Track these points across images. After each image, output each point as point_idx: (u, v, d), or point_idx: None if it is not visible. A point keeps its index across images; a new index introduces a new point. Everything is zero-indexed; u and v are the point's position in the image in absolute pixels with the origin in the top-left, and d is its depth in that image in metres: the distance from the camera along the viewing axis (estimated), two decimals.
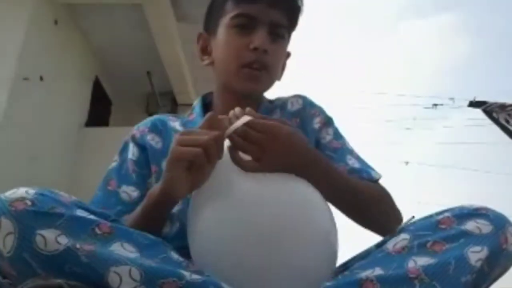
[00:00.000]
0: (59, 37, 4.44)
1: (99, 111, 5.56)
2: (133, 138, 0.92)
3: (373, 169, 0.90)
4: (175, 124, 0.94)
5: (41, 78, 3.98)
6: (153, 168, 0.87)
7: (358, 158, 0.92)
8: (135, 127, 0.94)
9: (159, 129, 0.91)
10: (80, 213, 0.59)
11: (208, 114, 0.69)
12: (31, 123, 3.94)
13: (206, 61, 0.95)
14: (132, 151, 0.90)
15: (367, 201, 0.81)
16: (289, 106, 0.98)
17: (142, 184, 0.87)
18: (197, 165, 0.64)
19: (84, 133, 5.01)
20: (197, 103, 0.98)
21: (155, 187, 0.72)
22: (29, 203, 0.56)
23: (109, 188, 0.86)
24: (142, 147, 0.89)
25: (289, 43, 0.97)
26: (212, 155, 0.64)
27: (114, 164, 0.90)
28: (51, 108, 4.27)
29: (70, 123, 4.82)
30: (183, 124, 0.93)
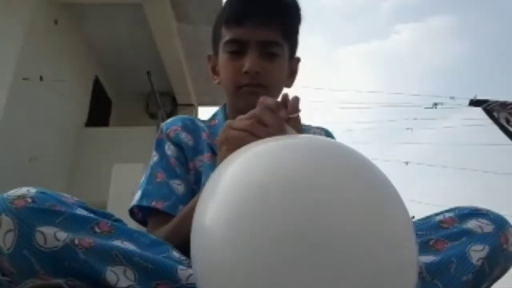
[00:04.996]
0: (59, 37, 4.45)
1: (99, 111, 5.56)
2: (168, 137, 0.91)
3: None
4: (203, 125, 0.95)
5: (41, 78, 3.98)
6: (191, 164, 0.88)
7: None
8: (165, 125, 0.93)
9: (190, 128, 0.92)
10: (80, 211, 0.60)
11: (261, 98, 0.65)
12: (31, 123, 3.94)
13: (217, 81, 0.97)
14: (170, 148, 0.89)
15: None
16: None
17: (186, 179, 0.86)
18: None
19: (84, 133, 5.01)
20: (219, 111, 0.99)
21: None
22: (29, 200, 0.56)
23: (158, 180, 0.85)
24: (178, 145, 0.89)
25: (295, 51, 0.96)
26: (268, 124, 0.60)
27: (155, 159, 0.90)
28: (51, 108, 4.28)
29: (70, 123, 4.82)
30: (208, 128, 0.94)
